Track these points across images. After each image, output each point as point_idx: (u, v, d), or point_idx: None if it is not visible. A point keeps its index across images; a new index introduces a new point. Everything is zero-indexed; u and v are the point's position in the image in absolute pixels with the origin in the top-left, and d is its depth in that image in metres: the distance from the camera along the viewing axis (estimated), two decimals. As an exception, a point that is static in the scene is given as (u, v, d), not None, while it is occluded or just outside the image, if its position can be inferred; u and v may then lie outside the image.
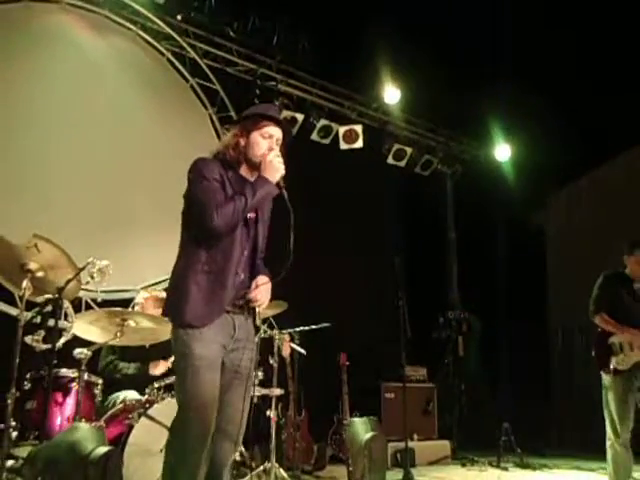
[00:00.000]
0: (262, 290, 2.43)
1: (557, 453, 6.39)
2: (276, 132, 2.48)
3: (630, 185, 7.55)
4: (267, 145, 2.44)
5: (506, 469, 5.68)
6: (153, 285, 5.48)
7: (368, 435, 4.50)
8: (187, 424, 2.23)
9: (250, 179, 2.43)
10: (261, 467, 4.10)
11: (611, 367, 3.79)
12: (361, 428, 4.60)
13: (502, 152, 8.54)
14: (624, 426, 3.70)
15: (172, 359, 3.85)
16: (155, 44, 6.43)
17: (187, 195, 2.40)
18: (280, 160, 2.41)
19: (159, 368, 3.93)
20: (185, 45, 6.55)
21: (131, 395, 3.67)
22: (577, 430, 6.45)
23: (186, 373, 2.24)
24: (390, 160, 8.15)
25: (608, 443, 3.76)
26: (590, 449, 3.92)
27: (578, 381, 3.97)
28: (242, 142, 2.45)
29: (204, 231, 2.30)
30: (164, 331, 3.67)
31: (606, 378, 3.84)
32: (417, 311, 6.32)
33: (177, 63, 6.57)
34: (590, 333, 4.09)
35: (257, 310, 2.48)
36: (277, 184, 2.40)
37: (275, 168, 2.38)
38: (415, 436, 6.27)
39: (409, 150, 8.20)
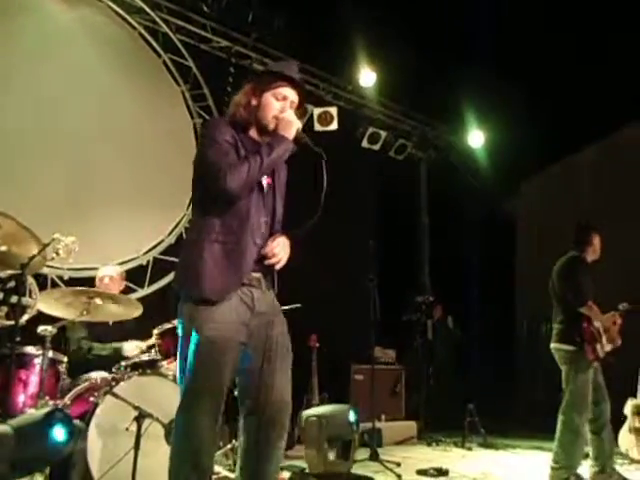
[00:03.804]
0: (279, 243, 2.28)
1: (520, 434, 6.53)
2: (291, 94, 2.33)
3: (600, 174, 7.67)
4: (280, 107, 2.30)
5: (470, 449, 5.81)
6: (122, 264, 5.42)
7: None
8: (193, 409, 2.07)
9: (260, 142, 2.29)
10: (229, 445, 4.10)
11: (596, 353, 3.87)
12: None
13: (475, 138, 8.60)
14: (585, 407, 3.82)
15: (151, 340, 3.82)
16: (126, 17, 6.23)
17: (197, 160, 2.26)
18: (293, 114, 2.30)
19: (134, 350, 3.87)
20: (157, 19, 6.38)
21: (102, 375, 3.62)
22: (540, 412, 6.61)
23: (194, 355, 2.08)
24: (364, 143, 8.13)
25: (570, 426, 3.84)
26: (552, 430, 4.01)
27: (543, 364, 4.04)
28: (254, 102, 2.31)
29: (217, 194, 2.15)
30: (130, 311, 3.65)
31: (586, 361, 3.87)
32: (388, 294, 6.37)
33: (149, 37, 6.39)
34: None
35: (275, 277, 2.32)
36: (295, 139, 2.28)
37: (290, 122, 2.26)
38: (383, 417, 6.37)
39: (383, 134, 8.19)
